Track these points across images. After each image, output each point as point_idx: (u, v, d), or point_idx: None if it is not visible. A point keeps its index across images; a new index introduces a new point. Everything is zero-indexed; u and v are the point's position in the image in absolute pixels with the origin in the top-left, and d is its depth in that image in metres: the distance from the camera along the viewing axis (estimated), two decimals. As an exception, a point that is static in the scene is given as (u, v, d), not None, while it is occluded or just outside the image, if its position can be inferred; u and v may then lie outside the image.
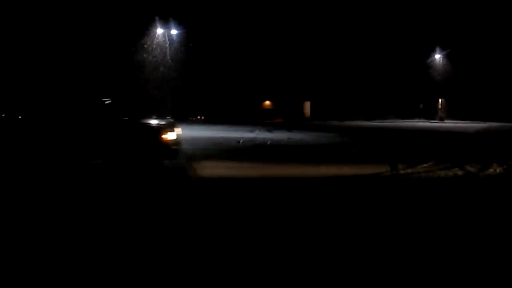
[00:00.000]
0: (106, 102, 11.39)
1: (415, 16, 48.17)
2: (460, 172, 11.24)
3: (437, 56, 52.41)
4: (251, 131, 27.49)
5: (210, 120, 42.41)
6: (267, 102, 51.84)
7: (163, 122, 11.95)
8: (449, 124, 41.69)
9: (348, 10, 47.76)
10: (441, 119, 49.12)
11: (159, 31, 41.71)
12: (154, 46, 41.16)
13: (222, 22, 45.04)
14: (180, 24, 41.78)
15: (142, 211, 6.88)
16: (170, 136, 10.93)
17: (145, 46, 40.81)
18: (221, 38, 46.08)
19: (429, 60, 52.46)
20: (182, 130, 13.02)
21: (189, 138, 18.50)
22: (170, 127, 11.17)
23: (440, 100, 53.11)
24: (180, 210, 7.03)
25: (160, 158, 10.89)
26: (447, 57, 51.89)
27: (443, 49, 51.34)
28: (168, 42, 41.51)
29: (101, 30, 38.45)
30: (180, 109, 38.84)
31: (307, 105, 52.39)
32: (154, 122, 12.12)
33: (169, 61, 40.71)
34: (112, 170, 10.27)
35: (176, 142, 11.25)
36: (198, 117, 47.10)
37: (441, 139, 23.47)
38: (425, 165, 12.33)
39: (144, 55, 40.59)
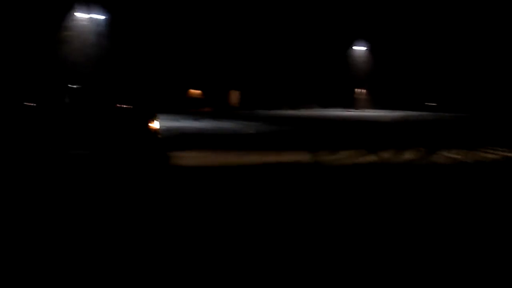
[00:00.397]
0: (75, 88, 11.13)
1: (338, 7, 49.76)
2: (375, 158, 12.03)
3: (359, 48, 54.51)
4: (177, 120, 27.41)
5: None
6: (195, 91, 51.61)
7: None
8: (369, 113, 43.63)
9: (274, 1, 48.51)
10: (361, 108, 51.27)
11: (80, 15, 40.32)
12: (74, 33, 39.75)
13: (146, 10, 44.28)
14: (103, 9, 40.64)
15: (136, 200, 7.24)
16: (155, 124, 10.95)
17: (65, 33, 39.33)
18: (146, 26, 45.30)
19: (351, 51, 54.44)
20: None
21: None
22: (154, 116, 11.16)
23: (361, 90, 55.35)
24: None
25: (149, 147, 10.86)
26: (368, 48, 54.13)
27: (364, 40, 53.48)
28: (89, 28, 40.25)
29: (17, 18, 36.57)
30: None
31: (235, 94, 52.74)
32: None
33: (88, 48, 39.44)
34: (100, 160, 10.19)
35: (159, 131, 11.30)
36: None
37: (360, 127, 24.62)
38: (343, 152, 13.05)
39: (65, 43, 39.12)
